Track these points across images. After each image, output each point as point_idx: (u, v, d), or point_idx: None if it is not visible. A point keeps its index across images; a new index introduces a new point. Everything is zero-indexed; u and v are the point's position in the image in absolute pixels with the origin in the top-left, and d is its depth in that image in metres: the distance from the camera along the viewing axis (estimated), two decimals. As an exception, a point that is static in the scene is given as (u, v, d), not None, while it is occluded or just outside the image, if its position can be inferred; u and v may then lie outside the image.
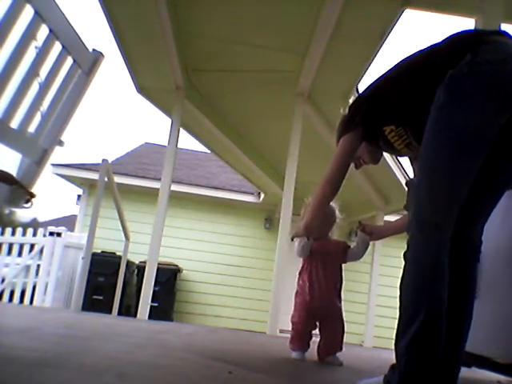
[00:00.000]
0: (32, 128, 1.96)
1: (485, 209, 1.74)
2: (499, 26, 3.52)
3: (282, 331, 5.08)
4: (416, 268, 1.58)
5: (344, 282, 2.50)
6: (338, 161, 1.96)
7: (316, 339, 2.46)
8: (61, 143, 2.14)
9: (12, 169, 1.94)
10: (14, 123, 1.83)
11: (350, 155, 1.97)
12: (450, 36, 1.76)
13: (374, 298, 7.82)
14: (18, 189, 1.86)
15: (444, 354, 1.56)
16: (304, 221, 2.23)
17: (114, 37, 4.85)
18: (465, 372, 2.88)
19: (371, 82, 1.97)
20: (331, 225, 2.57)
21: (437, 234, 1.57)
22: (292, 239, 2.39)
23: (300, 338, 2.42)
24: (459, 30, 1.78)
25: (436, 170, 1.60)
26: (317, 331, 2.46)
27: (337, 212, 2.58)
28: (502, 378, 2.58)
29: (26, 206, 1.95)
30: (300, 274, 2.48)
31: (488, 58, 1.58)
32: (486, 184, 1.70)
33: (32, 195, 1.95)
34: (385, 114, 1.85)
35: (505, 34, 1.71)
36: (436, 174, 1.60)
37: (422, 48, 1.83)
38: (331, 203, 2.55)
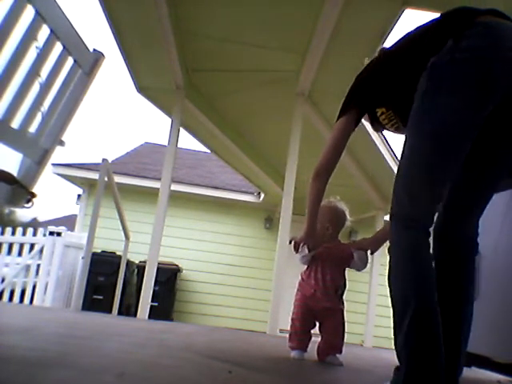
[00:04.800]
0: (33, 128, 1.96)
1: (478, 203, 1.71)
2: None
3: (281, 331, 5.08)
4: (399, 261, 1.57)
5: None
6: (329, 151, 1.91)
7: (316, 339, 2.46)
8: (62, 143, 2.14)
9: (13, 169, 1.94)
10: (15, 123, 1.83)
11: (342, 142, 1.90)
12: (440, 16, 1.70)
13: (374, 298, 7.82)
14: (18, 188, 1.86)
15: (445, 354, 1.55)
16: (304, 228, 2.17)
17: (114, 36, 4.85)
18: (465, 372, 2.89)
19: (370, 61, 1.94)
20: (340, 227, 2.53)
21: (415, 225, 1.55)
22: (290, 242, 2.32)
23: (298, 335, 2.41)
24: (452, 9, 1.70)
25: (413, 160, 1.57)
26: (317, 331, 2.45)
27: (347, 214, 2.53)
28: (501, 377, 2.58)
29: (26, 205, 1.95)
30: (302, 274, 2.47)
31: (471, 43, 1.50)
32: (476, 179, 1.68)
33: (33, 195, 1.95)
34: (375, 96, 1.84)
35: (500, 13, 1.61)
36: (412, 165, 1.57)
37: (415, 27, 1.78)
38: (341, 205, 2.54)
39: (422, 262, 1.53)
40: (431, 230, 1.59)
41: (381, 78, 1.80)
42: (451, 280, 1.65)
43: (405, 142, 1.62)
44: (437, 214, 1.71)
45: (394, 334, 1.54)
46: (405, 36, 1.82)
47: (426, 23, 1.75)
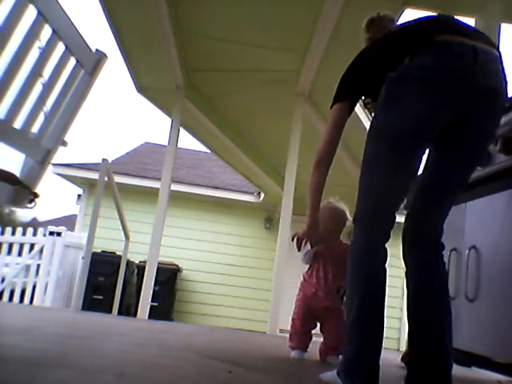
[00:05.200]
0: (35, 128, 1.95)
1: (441, 206, 1.76)
2: (499, 25, 3.53)
3: (281, 331, 5.08)
4: (350, 261, 1.70)
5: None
6: (326, 140, 1.95)
7: (317, 340, 2.47)
8: (64, 143, 2.14)
9: (15, 169, 1.94)
10: (18, 123, 1.83)
11: (338, 130, 1.94)
12: (406, 26, 1.78)
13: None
14: (21, 189, 1.86)
15: (431, 351, 1.61)
16: (306, 221, 2.13)
17: (114, 36, 4.85)
18: (465, 372, 2.89)
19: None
20: (341, 227, 2.52)
21: (366, 229, 1.67)
22: (292, 239, 2.28)
23: (298, 335, 2.41)
24: (416, 19, 1.78)
25: (365, 171, 1.70)
26: (318, 331, 2.46)
27: (347, 214, 2.53)
28: (502, 377, 2.58)
29: (29, 206, 1.95)
30: (304, 274, 2.48)
31: (423, 63, 1.58)
32: (437, 181, 1.73)
33: (35, 195, 1.95)
34: (363, 88, 1.90)
35: (457, 31, 1.65)
36: (365, 175, 1.70)
37: (402, 23, 1.86)
38: (341, 205, 2.54)
39: (369, 263, 1.66)
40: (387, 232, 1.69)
41: (364, 72, 1.86)
42: (425, 281, 1.70)
43: (366, 142, 1.72)
44: (405, 219, 1.81)
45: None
46: (392, 29, 1.93)
47: (410, 21, 1.81)
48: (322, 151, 1.95)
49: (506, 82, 1.64)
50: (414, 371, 1.65)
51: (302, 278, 2.49)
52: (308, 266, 2.46)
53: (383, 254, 1.66)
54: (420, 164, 1.71)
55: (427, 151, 1.77)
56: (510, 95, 1.69)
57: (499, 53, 1.65)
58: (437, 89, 1.56)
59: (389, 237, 1.69)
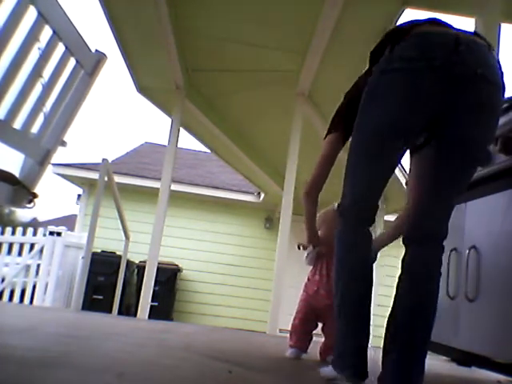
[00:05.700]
0: (35, 128, 1.96)
1: (438, 203, 1.70)
2: (499, 26, 3.52)
3: (281, 331, 5.08)
4: (336, 248, 1.74)
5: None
6: (318, 169, 2.05)
7: (317, 340, 2.47)
8: (63, 144, 2.15)
9: (15, 169, 1.95)
10: (17, 124, 1.83)
11: (331, 159, 2.03)
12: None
13: (375, 298, 7.82)
14: (20, 189, 1.86)
15: (405, 344, 1.63)
16: (306, 234, 2.28)
17: (114, 36, 4.85)
18: (465, 372, 2.89)
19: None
20: None
21: (348, 217, 1.72)
22: (299, 248, 2.42)
23: (297, 334, 2.42)
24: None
25: (349, 161, 1.73)
26: (319, 331, 2.46)
27: None
28: (502, 377, 2.58)
29: (28, 206, 1.95)
30: (308, 275, 2.50)
31: (402, 54, 1.56)
32: (431, 178, 1.70)
33: (35, 195, 1.96)
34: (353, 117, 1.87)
35: (436, 21, 1.64)
36: (349, 165, 1.73)
37: None
38: None
39: (350, 249, 1.72)
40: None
41: (357, 102, 1.78)
42: (416, 274, 1.71)
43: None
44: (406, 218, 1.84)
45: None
46: None
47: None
48: (312, 182, 2.06)
49: (501, 74, 1.58)
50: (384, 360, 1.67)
51: (306, 280, 2.51)
52: (312, 267, 2.48)
53: (365, 239, 1.72)
54: (400, 158, 1.71)
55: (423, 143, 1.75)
56: (509, 95, 1.67)
57: (491, 47, 1.60)
58: (416, 80, 1.53)
59: (370, 223, 1.74)
